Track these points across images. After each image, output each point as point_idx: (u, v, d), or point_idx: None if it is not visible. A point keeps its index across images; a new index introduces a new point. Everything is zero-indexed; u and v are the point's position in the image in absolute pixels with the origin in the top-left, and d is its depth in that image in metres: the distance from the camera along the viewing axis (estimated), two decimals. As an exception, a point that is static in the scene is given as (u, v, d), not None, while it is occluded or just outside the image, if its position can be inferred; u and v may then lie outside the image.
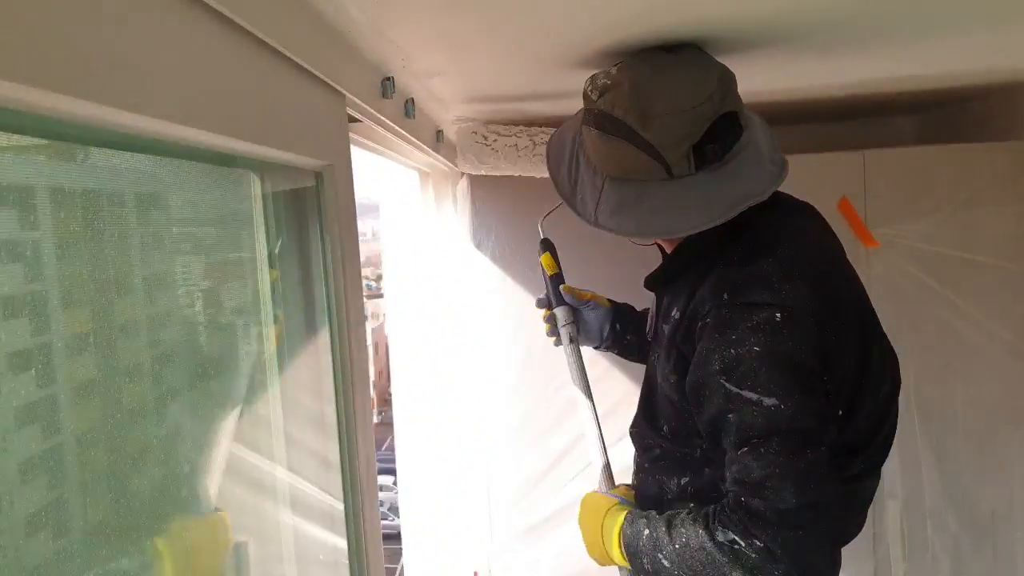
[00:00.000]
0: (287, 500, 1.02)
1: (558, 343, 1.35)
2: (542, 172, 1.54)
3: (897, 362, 1.10)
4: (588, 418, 1.27)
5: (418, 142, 1.45)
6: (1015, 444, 1.81)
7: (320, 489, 1.04)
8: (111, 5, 0.42)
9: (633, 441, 1.22)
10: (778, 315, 0.88)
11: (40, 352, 0.51)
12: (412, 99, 1.33)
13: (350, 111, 0.96)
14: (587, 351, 1.38)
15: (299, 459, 1.02)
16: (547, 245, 1.39)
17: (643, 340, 1.34)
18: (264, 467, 0.98)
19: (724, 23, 0.99)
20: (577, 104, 1.08)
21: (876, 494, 1.12)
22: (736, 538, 0.85)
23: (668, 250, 1.13)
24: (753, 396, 0.85)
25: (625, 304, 1.42)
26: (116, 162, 0.58)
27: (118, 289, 0.61)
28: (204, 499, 0.79)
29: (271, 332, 0.94)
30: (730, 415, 0.87)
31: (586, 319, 1.36)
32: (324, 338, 0.95)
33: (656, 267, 1.19)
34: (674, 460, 1.11)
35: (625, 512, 1.05)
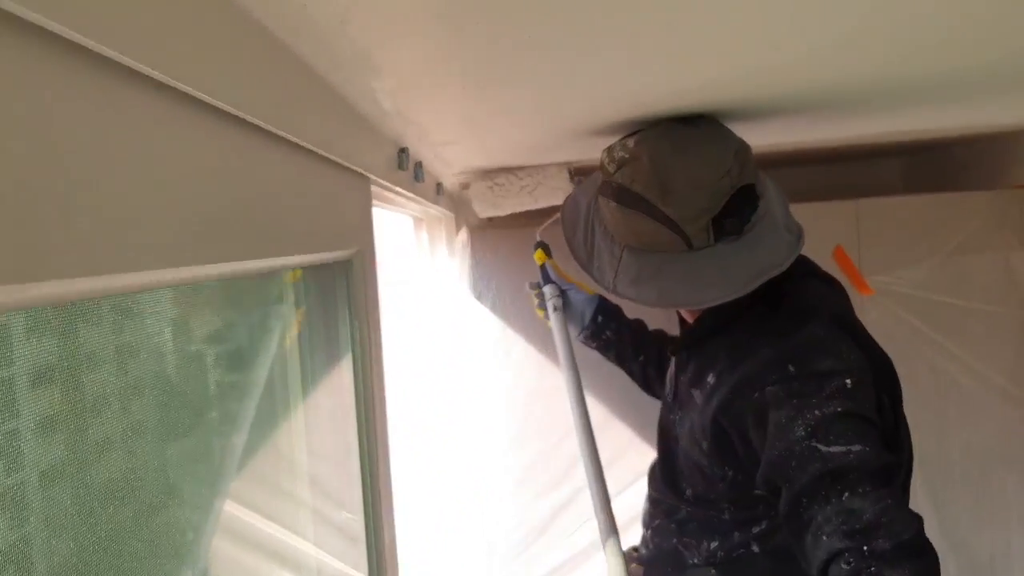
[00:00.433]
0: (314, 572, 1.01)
1: (545, 317, 1.41)
2: (550, 202, 1.68)
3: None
4: (575, 407, 1.26)
5: (423, 200, 1.46)
6: (1011, 488, 1.84)
7: (344, 563, 1.04)
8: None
9: (651, 505, 1.21)
10: (848, 381, 0.90)
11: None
12: (421, 162, 1.34)
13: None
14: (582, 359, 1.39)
15: (325, 532, 1.02)
16: (542, 244, 1.47)
17: (622, 343, 1.41)
18: (289, 541, 0.97)
19: (736, 104, 1.02)
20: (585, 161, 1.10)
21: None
22: None
23: (689, 316, 1.15)
24: (842, 448, 0.85)
25: (615, 304, 1.45)
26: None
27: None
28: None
29: (299, 414, 0.94)
30: (827, 474, 0.85)
31: (571, 300, 1.41)
32: (351, 418, 0.94)
33: (680, 333, 1.21)
34: (702, 523, 1.10)
35: None
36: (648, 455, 1.66)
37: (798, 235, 1.06)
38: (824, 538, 0.82)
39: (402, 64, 0.69)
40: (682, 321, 1.23)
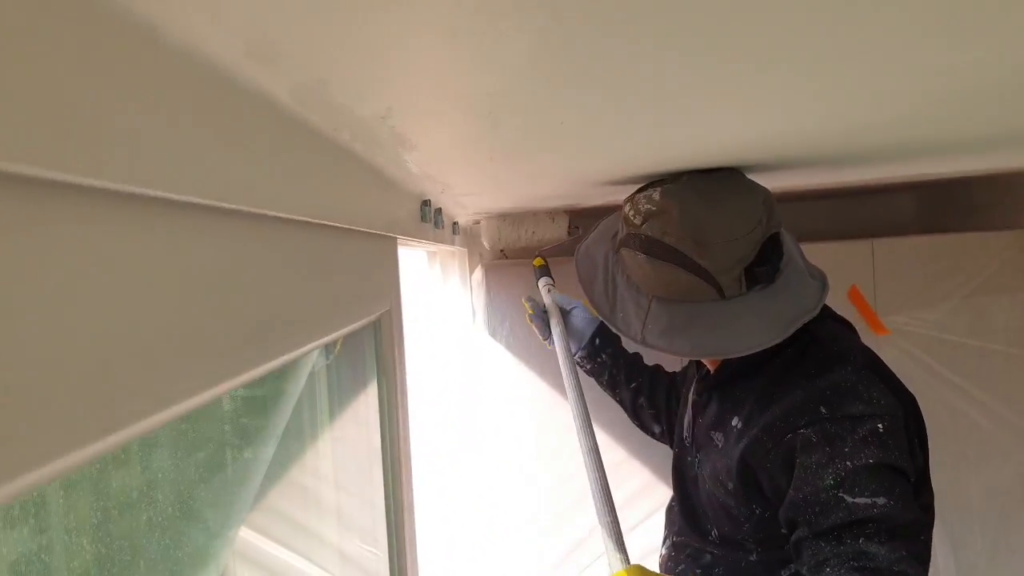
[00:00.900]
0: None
1: (547, 339, 1.40)
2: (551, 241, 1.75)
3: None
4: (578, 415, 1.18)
5: (442, 242, 1.49)
6: (1030, 530, 1.83)
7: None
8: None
9: (674, 550, 1.22)
10: (880, 425, 0.91)
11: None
12: (440, 208, 1.38)
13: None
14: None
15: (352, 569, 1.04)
16: (541, 255, 1.53)
17: (617, 368, 1.42)
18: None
19: (759, 160, 1.04)
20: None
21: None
22: None
23: (710, 361, 1.16)
24: (868, 500, 0.87)
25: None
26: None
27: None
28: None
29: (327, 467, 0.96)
30: (850, 524, 0.87)
31: (573, 317, 1.42)
32: (378, 471, 0.96)
33: (698, 376, 1.22)
34: (729, 566, 1.11)
35: None
36: (663, 492, 1.67)
37: (822, 280, 1.08)
38: (828, 569, 0.85)
39: (437, 144, 0.73)
40: (699, 364, 1.24)
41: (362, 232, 0.78)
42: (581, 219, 1.72)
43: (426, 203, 1.17)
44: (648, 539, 1.65)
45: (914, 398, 1.05)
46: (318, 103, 0.52)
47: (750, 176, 1.09)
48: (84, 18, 0.27)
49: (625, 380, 1.42)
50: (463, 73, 0.47)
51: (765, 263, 0.98)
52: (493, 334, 1.90)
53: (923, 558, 0.89)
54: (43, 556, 0.54)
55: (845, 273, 1.85)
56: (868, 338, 1.86)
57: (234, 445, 0.87)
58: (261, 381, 0.84)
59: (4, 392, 0.23)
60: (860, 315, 1.84)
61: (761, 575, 1.07)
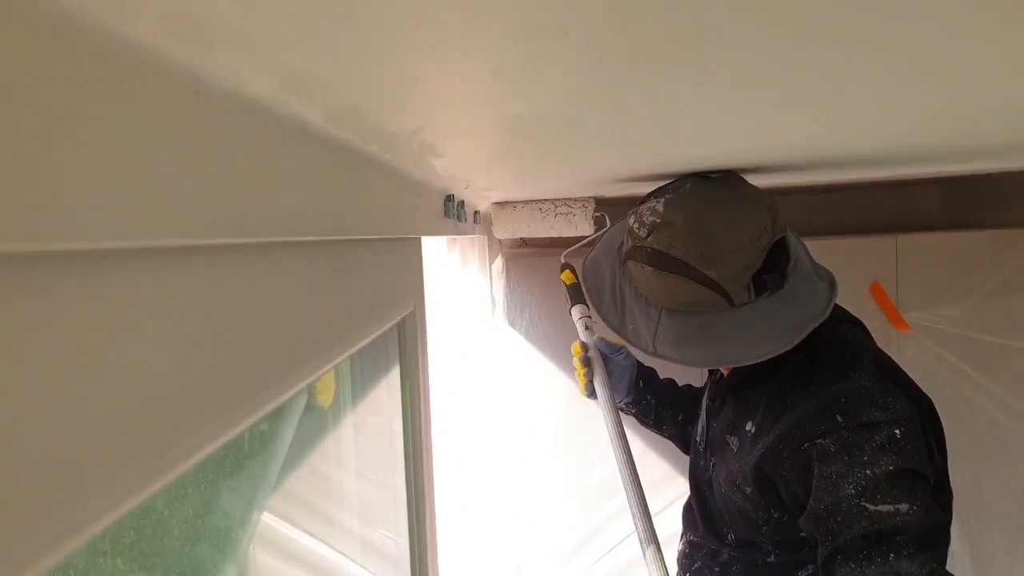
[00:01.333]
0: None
1: (591, 394, 1.28)
2: (564, 232, 1.67)
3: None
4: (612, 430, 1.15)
5: (463, 232, 1.49)
6: (1048, 529, 1.83)
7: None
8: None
9: (690, 548, 1.23)
10: (897, 431, 0.91)
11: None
12: (463, 201, 1.38)
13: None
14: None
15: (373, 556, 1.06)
16: (567, 266, 1.44)
17: (662, 406, 1.36)
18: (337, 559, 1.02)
19: (772, 163, 1.03)
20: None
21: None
22: None
23: (723, 367, 1.16)
24: (890, 508, 0.87)
25: (649, 367, 1.41)
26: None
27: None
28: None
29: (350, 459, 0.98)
30: (873, 534, 0.87)
31: (618, 366, 1.34)
32: (399, 462, 0.98)
33: (711, 380, 1.22)
34: (746, 567, 1.12)
35: None
36: (681, 483, 1.68)
37: (830, 282, 1.07)
38: None
39: (465, 152, 0.73)
40: (712, 369, 1.23)
41: (392, 239, 0.79)
42: (605, 207, 1.70)
43: (449, 198, 1.17)
44: (666, 528, 1.67)
45: (930, 400, 1.04)
46: (351, 123, 0.52)
47: (754, 177, 1.08)
48: (120, 73, 0.27)
49: (671, 415, 1.38)
50: (499, 102, 0.47)
51: (772, 269, 0.97)
52: (513, 324, 1.90)
53: (946, 560, 0.89)
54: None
55: (868, 268, 1.83)
56: (889, 334, 1.85)
57: (254, 427, 0.88)
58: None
59: (47, 455, 0.24)
60: (882, 311, 1.82)
61: (778, 574, 1.08)
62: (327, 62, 0.38)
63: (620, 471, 1.06)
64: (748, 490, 1.04)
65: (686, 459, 1.34)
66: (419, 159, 0.74)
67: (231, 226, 0.36)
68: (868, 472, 0.88)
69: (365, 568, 1.10)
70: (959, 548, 1.84)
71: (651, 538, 0.98)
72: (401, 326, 0.91)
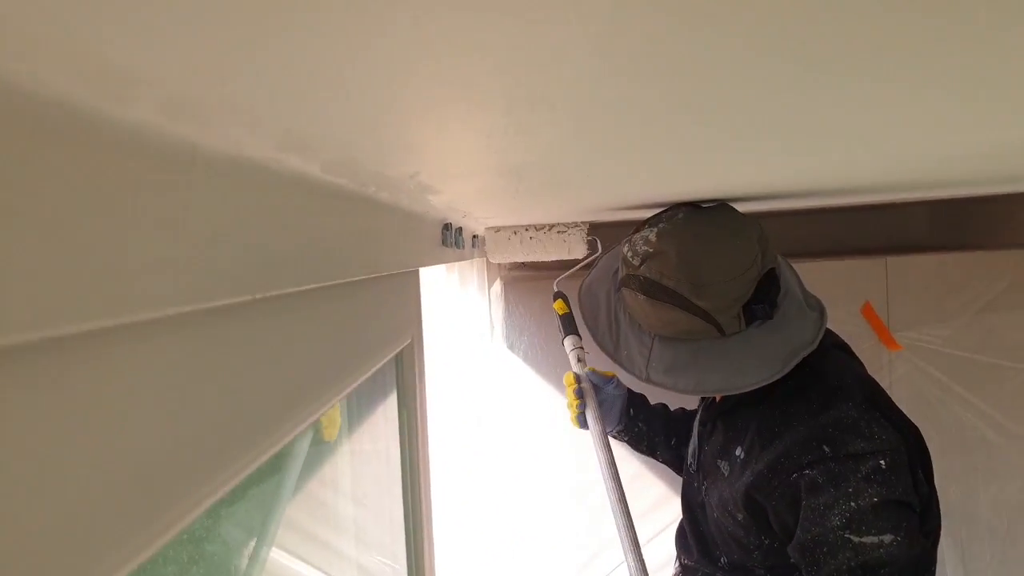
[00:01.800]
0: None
1: (583, 424, 1.25)
2: (552, 256, 1.67)
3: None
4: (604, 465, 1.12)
5: (460, 260, 1.50)
6: (1040, 545, 1.83)
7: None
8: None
9: (684, 572, 1.24)
10: (882, 462, 0.92)
11: None
12: (460, 228, 1.38)
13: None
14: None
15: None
16: (560, 295, 1.44)
17: (654, 432, 1.35)
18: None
19: (768, 193, 1.04)
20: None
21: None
22: None
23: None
24: (875, 539, 0.88)
25: (639, 394, 1.40)
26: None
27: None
28: None
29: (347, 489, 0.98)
30: (858, 567, 0.88)
31: (609, 395, 1.33)
32: (397, 489, 0.98)
33: (702, 404, 1.23)
34: None
35: None
36: (675, 506, 1.68)
37: (820, 311, 1.08)
38: None
39: (462, 190, 0.73)
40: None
41: (391, 275, 0.79)
42: (598, 231, 1.71)
43: (447, 227, 1.18)
44: (661, 552, 1.66)
45: (917, 429, 1.05)
46: (348, 171, 0.53)
47: (746, 204, 1.10)
48: (119, 153, 0.28)
49: (664, 440, 1.38)
50: (493, 155, 0.48)
51: (762, 300, 0.99)
52: (512, 347, 1.91)
53: None
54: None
55: (859, 289, 1.85)
56: (881, 354, 1.87)
57: (264, 470, 0.88)
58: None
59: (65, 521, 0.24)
60: (874, 331, 1.84)
61: None
62: (323, 126, 0.38)
63: (611, 505, 1.06)
64: (739, 516, 1.05)
65: (678, 485, 1.34)
66: (416, 197, 0.75)
67: (230, 286, 0.37)
68: (853, 504, 0.89)
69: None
70: (952, 563, 1.84)
71: (641, 572, 0.98)
72: (399, 357, 0.91)
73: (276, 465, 0.87)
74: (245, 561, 0.83)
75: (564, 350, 1.38)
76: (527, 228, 1.77)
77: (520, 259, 1.76)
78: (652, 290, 1.01)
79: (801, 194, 1.13)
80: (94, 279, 0.25)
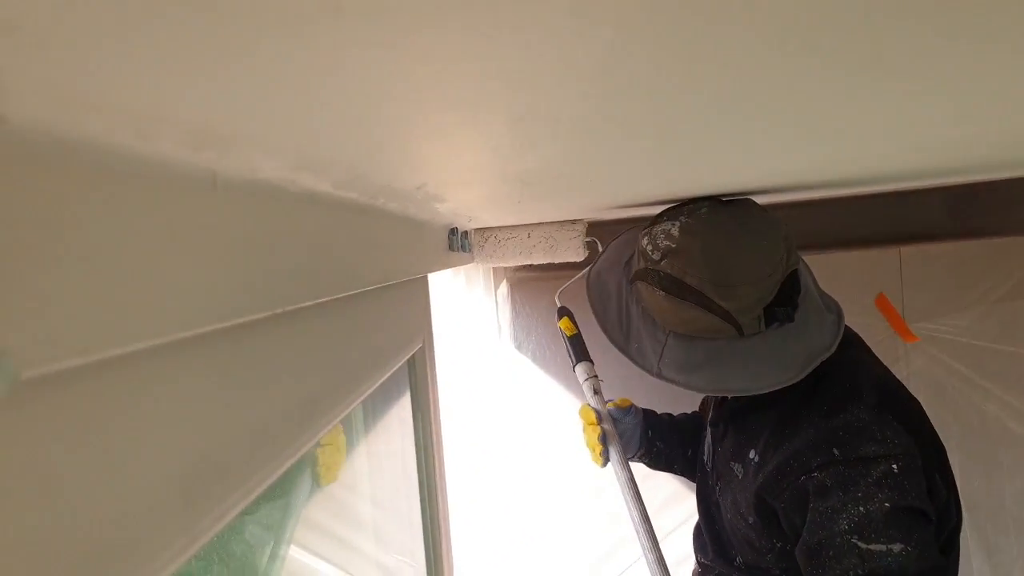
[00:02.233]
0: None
1: (606, 461, 1.23)
2: (539, 260, 1.57)
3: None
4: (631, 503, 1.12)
5: (467, 264, 1.51)
6: (1065, 536, 1.81)
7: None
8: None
9: (703, 570, 1.24)
10: (894, 466, 0.90)
11: None
12: (466, 232, 1.39)
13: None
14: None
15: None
16: (564, 312, 1.39)
17: (671, 449, 1.33)
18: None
19: (782, 186, 1.05)
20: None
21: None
22: None
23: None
24: (882, 547, 0.86)
25: (649, 409, 1.39)
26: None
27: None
28: None
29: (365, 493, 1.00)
30: (861, 571, 0.86)
31: (629, 427, 1.31)
32: (414, 490, 0.99)
33: (714, 404, 1.22)
34: None
35: None
36: (692, 502, 1.68)
37: (837, 313, 1.07)
38: None
39: (468, 198, 0.75)
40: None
41: (402, 283, 0.81)
42: (596, 231, 1.70)
43: (453, 231, 1.19)
44: (679, 548, 1.67)
45: (933, 431, 1.02)
46: (358, 186, 0.54)
47: (768, 196, 1.08)
48: (141, 185, 0.29)
49: (681, 453, 1.36)
50: (499, 165, 0.49)
51: (784, 302, 0.97)
52: (520, 347, 1.92)
53: None
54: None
55: (873, 280, 1.84)
56: (897, 346, 1.86)
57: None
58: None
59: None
60: (889, 322, 1.82)
61: None
62: (336, 149, 0.40)
63: (639, 538, 1.05)
64: (751, 519, 1.04)
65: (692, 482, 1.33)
66: (424, 205, 0.77)
67: (251, 303, 0.38)
68: (862, 508, 0.88)
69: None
70: (978, 557, 1.83)
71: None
72: (411, 363, 0.93)
73: (293, 469, 0.89)
74: (265, 559, 0.85)
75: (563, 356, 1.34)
76: (513, 228, 1.74)
77: (512, 264, 1.74)
78: (673, 287, 0.98)
79: (810, 186, 1.13)
80: (130, 305, 0.27)
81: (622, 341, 1.09)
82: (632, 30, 0.24)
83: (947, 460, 1.04)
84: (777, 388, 0.97)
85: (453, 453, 1.94)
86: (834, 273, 1.91)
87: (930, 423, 1.04)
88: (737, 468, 1.09)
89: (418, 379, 0.93)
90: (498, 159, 0.45)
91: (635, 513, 1.09)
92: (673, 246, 0.99)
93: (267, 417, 0.43)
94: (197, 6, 0.19)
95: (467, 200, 0.79)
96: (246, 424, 0.40)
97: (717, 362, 0.99)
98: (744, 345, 0.98)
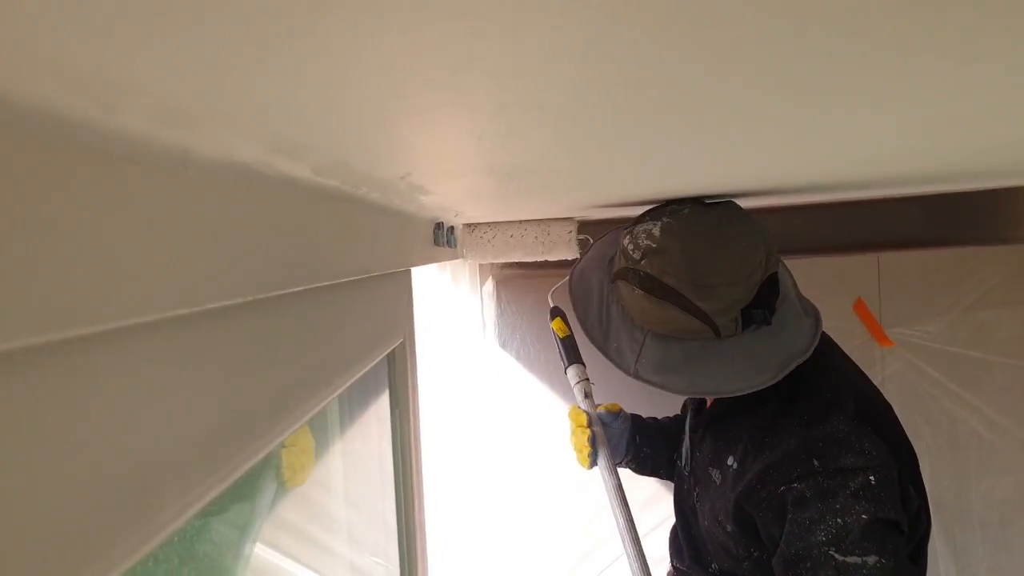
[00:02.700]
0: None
1: (592, 465, 1.23)
2: (531, 257, 1.58)
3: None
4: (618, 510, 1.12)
5: (453, 259, 1.50)
6: (1030, 540, 1.85)
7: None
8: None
9: (677, 574, 1.24)
10: (872, 478, 0.90)
11: None
12: (452, 227, 1.38)
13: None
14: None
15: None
16: (557, 312, 1.38)
17: (658, 454, 1.33)
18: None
19: (764, 189, 1.05)
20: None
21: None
22: None
23: (707, 398, 1.16)
24: (858, 560, 0.87)
25: (636, 414, 1.38)
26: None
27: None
28: None
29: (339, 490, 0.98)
30: None
31: (617, 431, 1.30)
32: (389, 490, 0.98)
33: (692, 409, 1.22)
34: None
35: None
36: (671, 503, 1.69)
37: (815, 317, 1.07)
38: None
39: (453, 190, 0.73)
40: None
41: (385, 275, 0.79)
42: (588, 229, 1.70)
43: (439, 226, 1.18)
44: (655, 551, 1.67)
45: (908, 443, 1.04)
46: (339, 173, 0.53)
47: (750, 199, 1.08)
48: (109, 160, 0.28)
49: (667, 458, 1.36)
50: (484, 157, 0.48)
51: (762, 304, 0.98)
52: (504, 345, 1.91)
53: None
54: None
55: (852, 286, 1.86)
56: (874, 350, 1.88)
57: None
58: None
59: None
60: (866, 327, 1.85)
61: None
62: (314, 131, 0.38)
63: (624, 545, 1.04)
64: (729, 527, 1.04)
65: (670, 484, 1.33)
66: (408, 197, 0.75)
67: (222, 290, 0.37)
68: (839, 520, 0.88)
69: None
70: (944, 558, 1.86)
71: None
72: (391, 357, 0.92)
73: (260, 463, 0.87)
74: (230, 559, 0.83)
75: (556, 348, 1.35)
76: (509, 225, 1.74)
77: (502, 260, 1.73)
78: (652, 286, 0.98)
79: (795, 190, 1.14)
80: (85, 285, 0.25)
81: (601, 340, 1.09)
82: (620, 13, 0.23)
83: (919, 467, 1.05)
84: (751, 391, 0.97)
85: (436, 448, 1.93)
86: (813, 277, 1.92)
87: (903, 431, 1.05)
88: (715, 474, 1.09)
89: (397, 375, 0.91)
90: (483, 147, 0.44)
91: (621, 520, 1.09)
92: (654, 246, 0.99)
93: (238, 408, 0.42)
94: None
95: (453, 193, 0.77)
96: (215, 415, 0.38)
97: (693, 363, 0.99)
98: (720, 347, 0.98)
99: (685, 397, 1.34)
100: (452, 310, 2.00)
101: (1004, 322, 1.84)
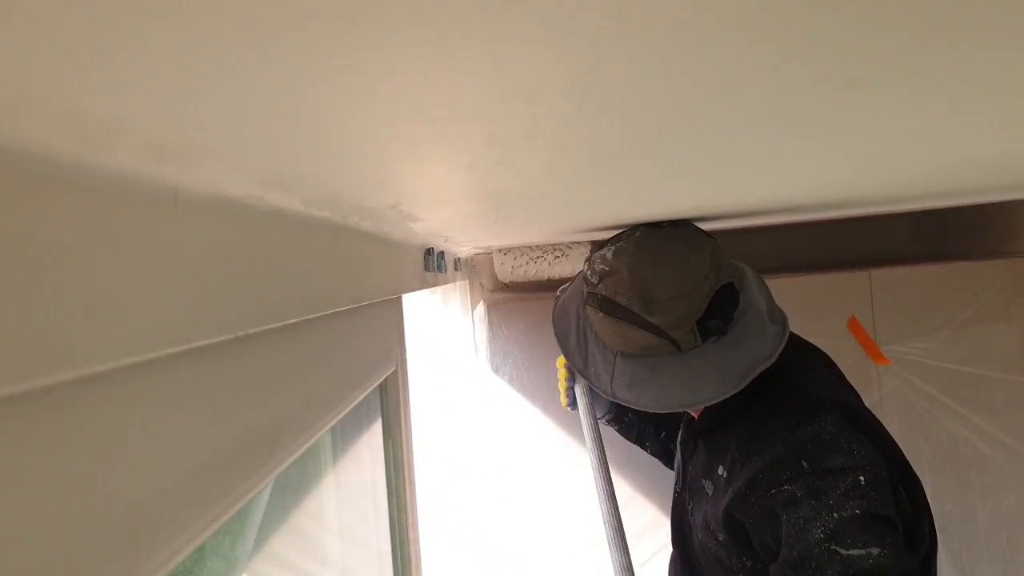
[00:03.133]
0: None
1: (573, 407, 1.31)
2: (563, 274, 1.71)
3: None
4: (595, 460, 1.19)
5: (444, 284, 1.50)
6: (1036, 557, 1.83)
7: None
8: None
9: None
10: (861, 478, 0.92)
11: None
12: (442, 252, 1.38)
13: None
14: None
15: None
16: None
17: (642, 421, 1.40)
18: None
19: (743, 211, 1.06)
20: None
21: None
22: None
23: (693, 410, 1.17)
24: (862, 552, 0.87)
25: None
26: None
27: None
28: None
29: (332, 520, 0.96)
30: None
31: None
32: (384, 531, 0.97)
33: (683, 422, 1.23)
34: None
35: None
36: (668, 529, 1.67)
37: (782, 324, 1.08)
38: None
39: (443, 217, 0.74)
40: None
41: (376, 303, 0.79)
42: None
43: (429, 252, 1.18)
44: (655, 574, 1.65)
45: (897, 447, 1.05)
46: (329, 204, 0.53)
47: (717, 222, 1.11)
48: (98, 199, 0.28)
49: (653, 432, 1.43)
50: (474, 184, 0.48)
51: (717, 315, 1.00)
52: (496, 370, 1.90)
53: None
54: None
55: (845, 304, 1.86)
56: (869, 368, 1.88)
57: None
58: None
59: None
60: (861, 345, 1.85)
61: None
62: (303, 165, 0.38)
63: (595, 480, 1.08)
64: (721, 536, 1.05)
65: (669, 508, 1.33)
66: (398, 225, 0.75)
67: (214, 326, 0.37)
68: (835, 515, 0.89)
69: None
70: (951, 580, 1.84)
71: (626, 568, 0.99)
72: (384, 385, 0.91)
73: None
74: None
75: (549, 373, 1.39)
76: (532, 249, 1.77)
77: (530, 278, 1.77)
78: (608, 307, 1.03)
79: (780, 210, 1.15)
80: (74, 327, 0.25)
81: (582, 365, 1.13)
82: (608, 43, 0.23)
83: (913, 475, 1.06)
84: (719, 399, 0.99)
85: (429, 471, 1.91)
86: (805, 296, 1.94)
87: (889, 433, 1.06)
88: (707, 485, 1.10)
89: (390, 404, 0.90)
90: (472, 178, 0.44)
91: (594, 458, 1.16)
92: (607, 268, 1.05)
93: (231, 445, 0.41)
94: (153, 8, 0.17)
95: (443, 220, 0.78)
96: (200, 456, 0.38)
97: (660, 378, 1.02)
98: (683, 359, 1.01)
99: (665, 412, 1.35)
100: (444, 335, 1.99)
101: (1001, 337, 1.85)
